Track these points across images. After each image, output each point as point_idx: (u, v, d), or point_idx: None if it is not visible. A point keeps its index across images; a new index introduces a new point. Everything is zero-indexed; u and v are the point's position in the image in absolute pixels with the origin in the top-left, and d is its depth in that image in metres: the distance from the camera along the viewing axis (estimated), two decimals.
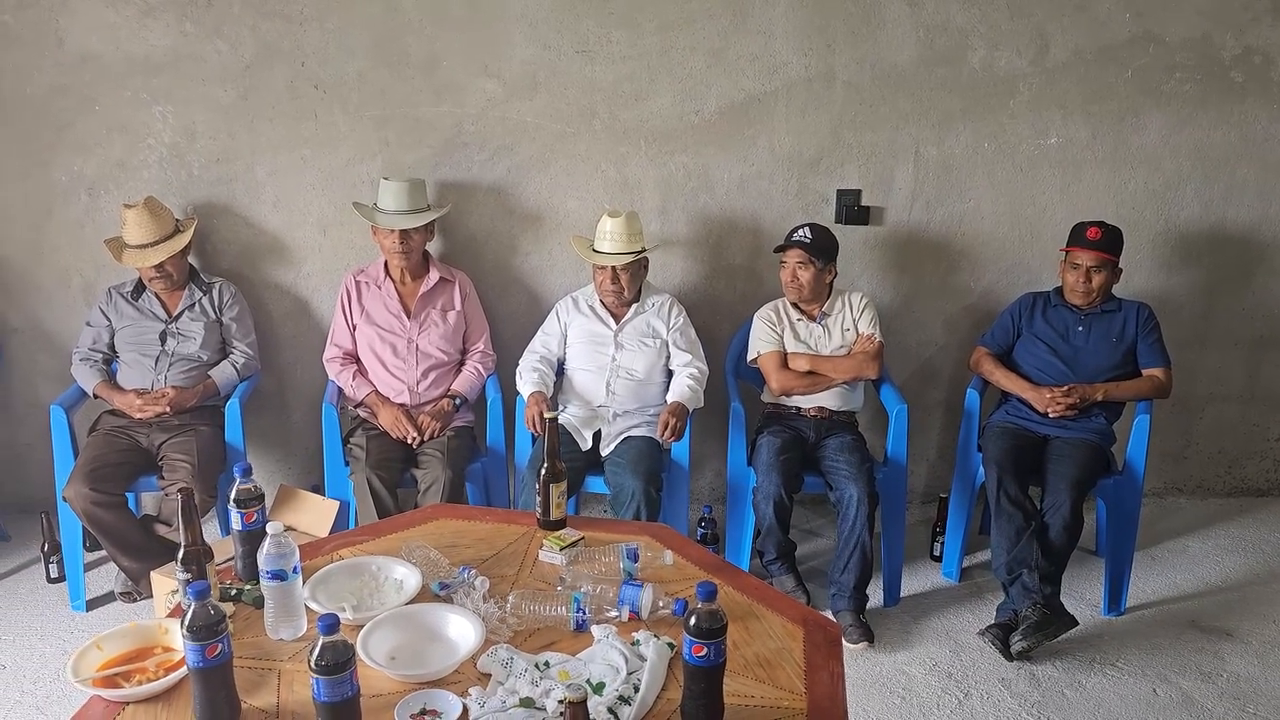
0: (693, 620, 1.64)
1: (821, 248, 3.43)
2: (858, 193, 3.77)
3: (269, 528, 1.88)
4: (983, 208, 3.82)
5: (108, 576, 3.45)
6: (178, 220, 3.50)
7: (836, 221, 3.76)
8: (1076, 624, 3.12)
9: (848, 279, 3.79)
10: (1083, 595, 3.50)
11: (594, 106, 3.63)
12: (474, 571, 2.11)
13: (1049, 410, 3.38)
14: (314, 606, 1.97)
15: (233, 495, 2.04)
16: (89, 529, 3.22)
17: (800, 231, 3.44)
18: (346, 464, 3.37)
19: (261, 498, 2.09)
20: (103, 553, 3.43)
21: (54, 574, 3.48)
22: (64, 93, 3.52)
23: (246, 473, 2.07)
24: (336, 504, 3.32)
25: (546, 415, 2.45)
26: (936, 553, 3.72)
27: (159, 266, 3.39)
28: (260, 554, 1.88)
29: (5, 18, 3.44)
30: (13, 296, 3.75)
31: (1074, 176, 3.79)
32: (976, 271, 3.91)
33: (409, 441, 3.37)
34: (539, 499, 2.37)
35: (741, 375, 3.72)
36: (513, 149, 3.66)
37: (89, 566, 3.42)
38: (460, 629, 1.93)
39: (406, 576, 2.10)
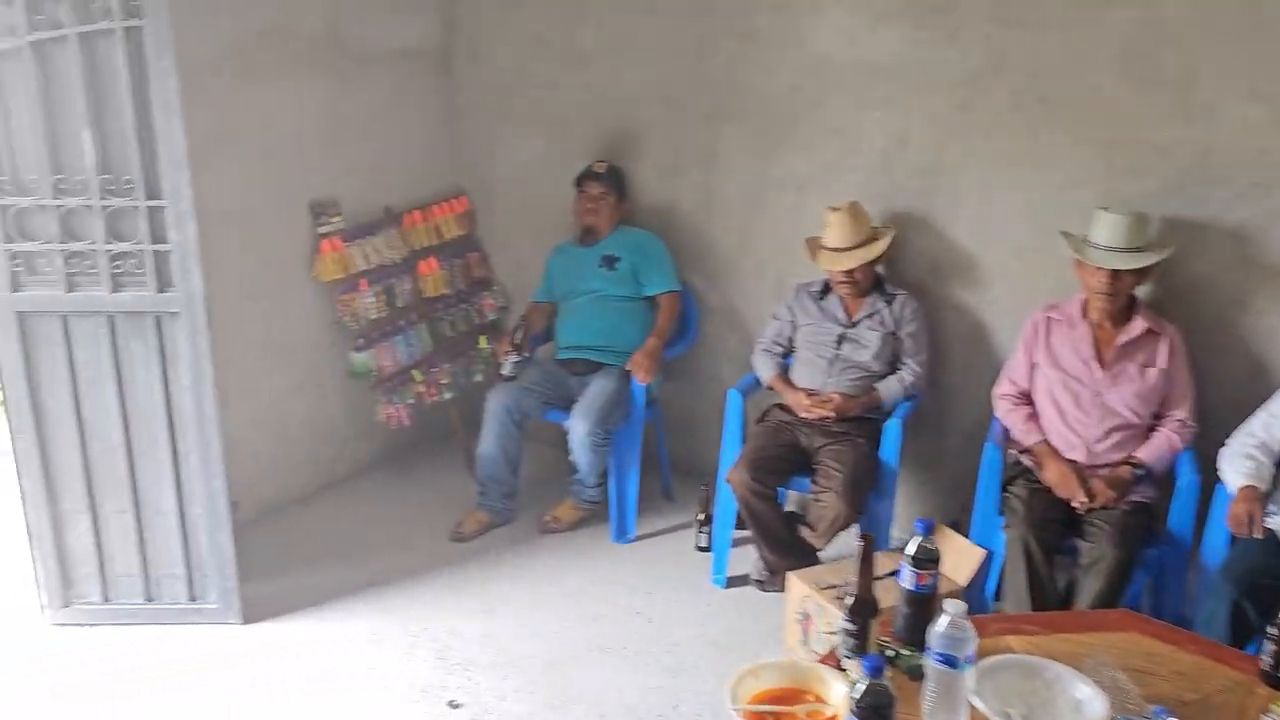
0: None
1: None
2: None
3: (948, 606, 1.70)
4: None
5: (746, 559, 3.59)
6: (875, 228, 3.48)
7: None
8: None
9: None
10: None
11: None
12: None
13: None
14: (977, 704, 1.76)
15: (911, 551, 1.90)
16: (742, 513, 3.37)
17: None
18: (1000, 513, 3.11)
19: (938, 560, 1.92)
20: (748, 534, 3.58)
21: (703, 543, 3.73)
22: (797, 93, 3.67)
23: (929, 530, 1.91)
24: (983, 553, 3.08)
25: None
26: None
27: (849, 272, 3.41)
28: (933, 631, 1.71)
29: (759, 20, 3.67)
30: (716, 279, 4.05)
31: None
32: None
33: (1075, 505, 3.00)
34: (1270, 646, 1.90)
35: None
36: (1268, 189, 3.05)
37: (734, 544, 3.59)
38: None
39: (1089, 700, 1.80)
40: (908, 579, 1.91)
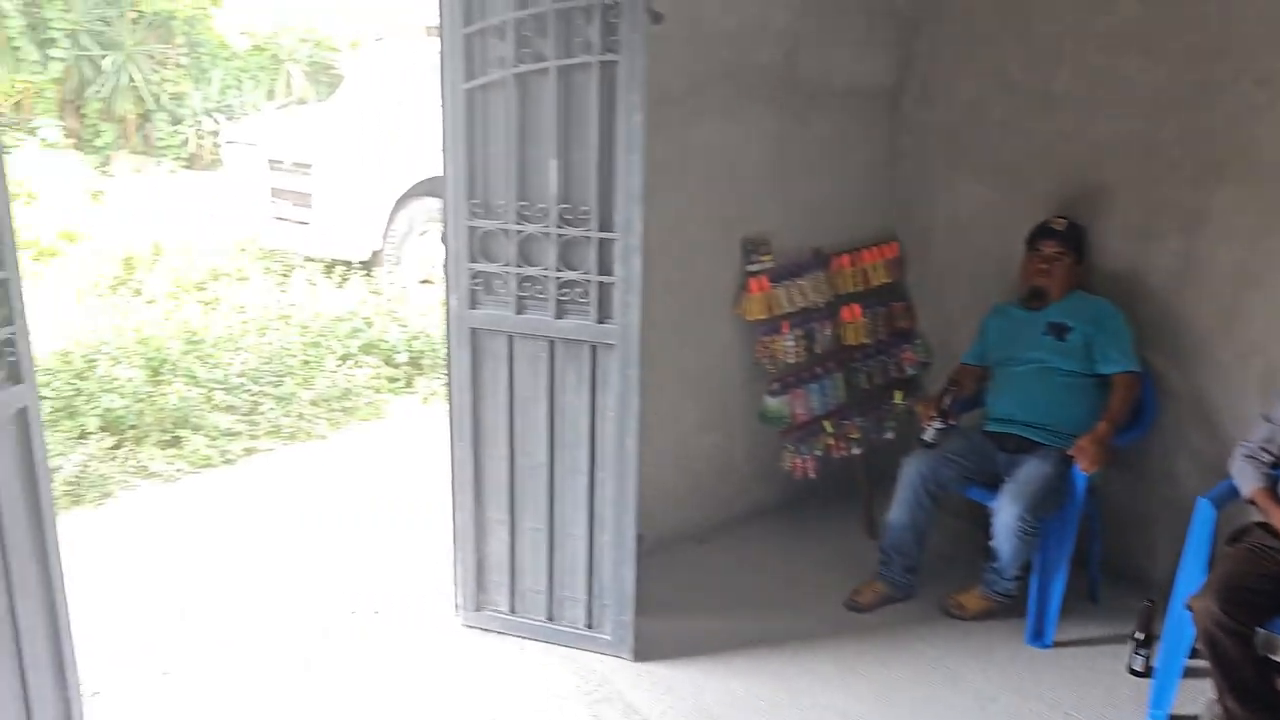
0: None
1: None
2: None
3: None
4: None
5: (1196, 696, 3.03)
6: None
7: None
8: None
9: None
10: None
11: None
12: None
13: None
14: None
15: None
16: (1202, 648, 2.84)
17: None
18: None
19: None
20: (1201, 664, 3.03)
21: (1138, 667, 3.21)
22: None
23: None
24: None
25: None
26: None
27: None
28: None
29: None
30: (1183, 363, 3.48)
31: None
32: None
33: None
34: None
35: None
36: None
37: (1185, 673, 3.04)
38: None
39: None
40: None
